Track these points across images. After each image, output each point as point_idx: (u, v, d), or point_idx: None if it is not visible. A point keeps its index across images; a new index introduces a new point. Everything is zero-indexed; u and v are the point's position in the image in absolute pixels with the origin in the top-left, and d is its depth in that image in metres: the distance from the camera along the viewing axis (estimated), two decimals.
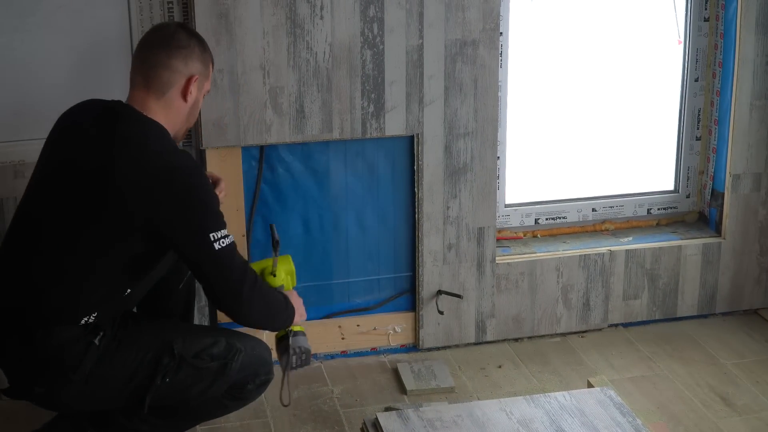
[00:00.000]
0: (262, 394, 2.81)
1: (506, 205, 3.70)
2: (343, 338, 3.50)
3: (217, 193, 2.72)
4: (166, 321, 2.70)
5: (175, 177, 2.41)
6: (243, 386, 2.69)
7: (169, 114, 2.52)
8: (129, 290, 2.52)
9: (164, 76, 2.50)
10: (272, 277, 2.79)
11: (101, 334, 2.48)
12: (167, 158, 2.44)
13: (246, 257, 3.32)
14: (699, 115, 3.78)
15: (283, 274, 2.82)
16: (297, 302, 2.75)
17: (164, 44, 2.52)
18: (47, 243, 2.45)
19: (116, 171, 2.39)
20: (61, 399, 2.51)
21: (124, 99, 2.58)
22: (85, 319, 2.45)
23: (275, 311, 2.63)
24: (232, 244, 2.47)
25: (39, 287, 2.44)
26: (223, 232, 2.45)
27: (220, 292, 2.50)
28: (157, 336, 2.56)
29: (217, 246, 2.42)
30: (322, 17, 3.17)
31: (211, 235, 2.42)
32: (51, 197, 2.47)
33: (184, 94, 2.53)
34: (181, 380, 2.57)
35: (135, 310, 2.77)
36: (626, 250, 3.66)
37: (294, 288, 2.85)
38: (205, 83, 2.61)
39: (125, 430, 2.68)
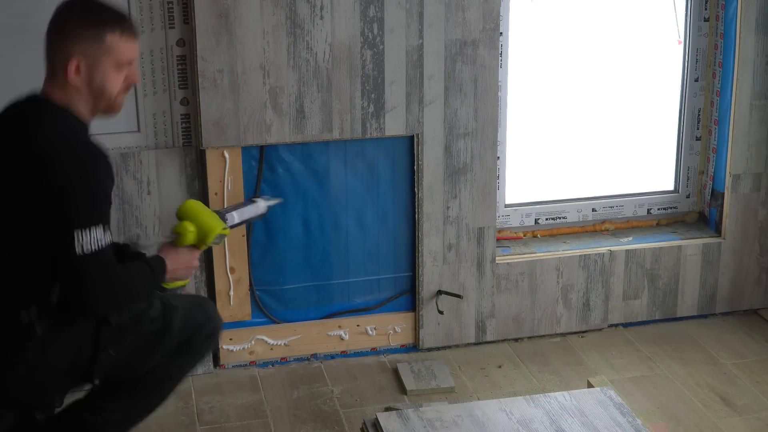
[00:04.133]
0: (215, 348, 2.82)
1: (506, 205, 3.70)
2: (343, 338, 3.50)
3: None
4: None
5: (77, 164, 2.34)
6: (190, 341, 2.66)
7: (67, 95, 2.45)
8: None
9: (50, 60, 2.46)
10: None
11: (41, 322, 2.39)
12: (70, 142, 2.38)
13: (246, 259, 3.33)
14: (699, 115, 3.78)
15: (189, 235, 2.60)
16: (178, 261, 2.59)
17: (48, 29, 2.46)
18: None
19: (29, 152, 2.33)
20: (10, 393, 2.45)
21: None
22: (24, 311, 2.38)
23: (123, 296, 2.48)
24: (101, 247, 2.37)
25: None
26: (93, 231, 2.34)
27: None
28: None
29: (78, 249, 2.31)
30: (322, 17, 3.17)
31: (76, 231, 2.32)
32: None
33: (67, 76, 2.42)
34: (126, 349, 2.53)
35: None
36: (626, 250, 3.66)
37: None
38: (105, 59, 2.43)
39: (95, 427, 2.63)
